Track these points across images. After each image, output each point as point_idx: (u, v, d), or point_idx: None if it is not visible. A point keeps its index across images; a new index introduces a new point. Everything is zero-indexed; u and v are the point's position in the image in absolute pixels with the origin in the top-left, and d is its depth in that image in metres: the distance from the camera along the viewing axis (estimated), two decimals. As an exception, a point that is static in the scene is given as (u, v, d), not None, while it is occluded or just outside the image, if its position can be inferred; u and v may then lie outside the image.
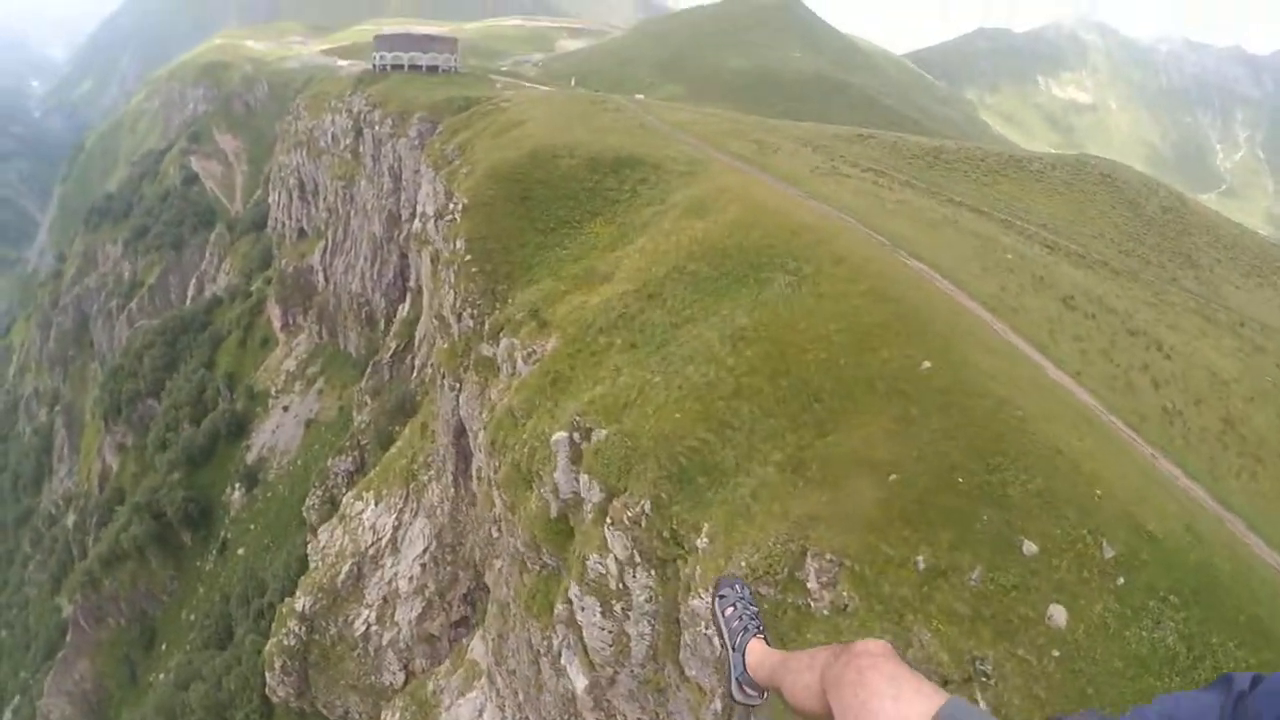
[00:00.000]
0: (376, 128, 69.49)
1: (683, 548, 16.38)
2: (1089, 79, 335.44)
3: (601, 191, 36.04)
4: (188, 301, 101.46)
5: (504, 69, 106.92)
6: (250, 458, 73.62)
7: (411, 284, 60.00)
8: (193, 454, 76.75)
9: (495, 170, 38.84)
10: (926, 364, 18.06)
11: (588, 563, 18.04)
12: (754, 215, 28.45)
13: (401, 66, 78.00)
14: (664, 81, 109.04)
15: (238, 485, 74.62)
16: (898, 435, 16.19)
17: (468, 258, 34.27)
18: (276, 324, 75.09)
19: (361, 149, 73.10)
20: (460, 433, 33.61)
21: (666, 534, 16.67)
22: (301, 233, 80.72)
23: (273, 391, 71.73)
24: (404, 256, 65.66)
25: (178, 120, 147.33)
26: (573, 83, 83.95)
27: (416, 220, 61.16)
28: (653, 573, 16.80)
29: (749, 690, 2.69)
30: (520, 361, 27.57)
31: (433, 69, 78.38)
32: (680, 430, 18.17)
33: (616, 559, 17.43)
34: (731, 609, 3.00)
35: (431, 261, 54.05)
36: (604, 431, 19.70)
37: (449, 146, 52.93)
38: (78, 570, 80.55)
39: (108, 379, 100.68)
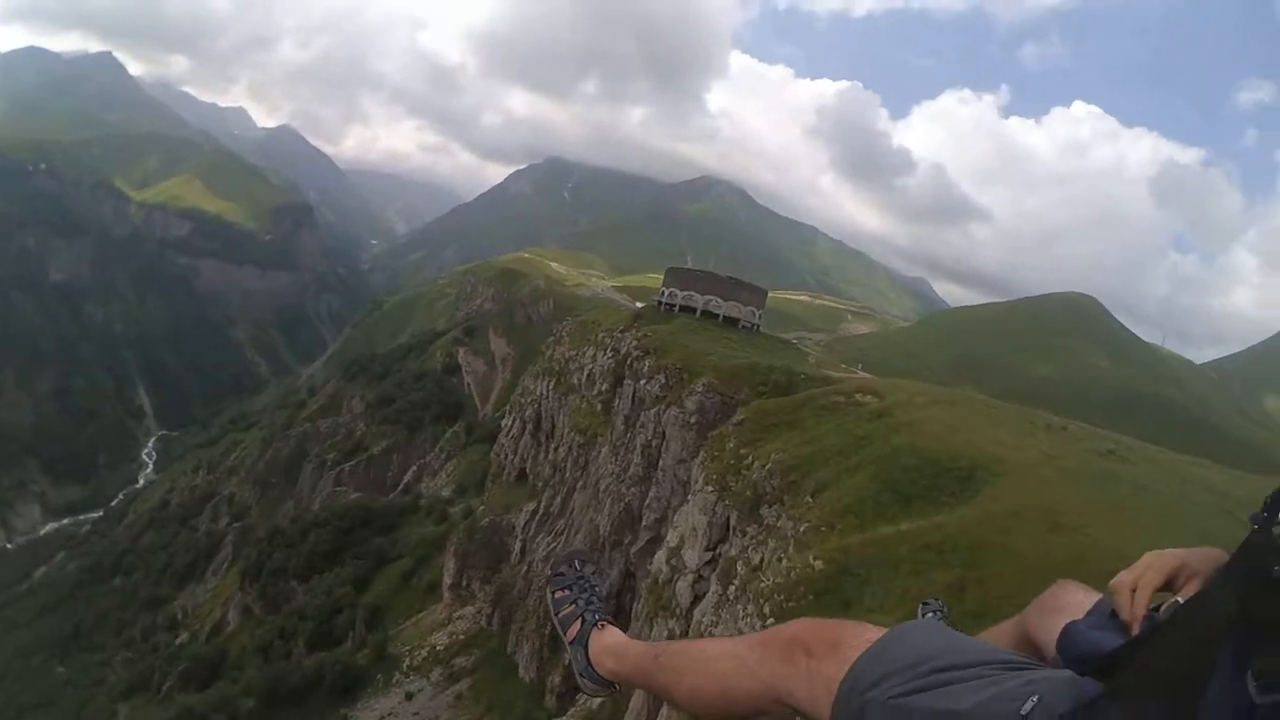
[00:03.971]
0: (642, 382, 53.03)
1: None
2: None
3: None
4: (399, 487, 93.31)
5: (791, 340, 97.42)
6: (341, 738, 55.74)
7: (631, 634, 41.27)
8: (280, 691, 60.77)
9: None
10: None
11: None
12: None
13: (693, 310, 64.18)
14: (958, 382, 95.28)
15: (312, 760, 56.72)
16: None
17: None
18: (447, 579, 60.07)
19: (616, 403, 56.47)
20: None
21: None
22: (521, 476, 68.45)
23: (405, 665, 54.80)
24: (630, 576, 48.37)
25: (464, 311, 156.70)
26: (859, 369, 69.47)
27: (661, 556, 40.04)
28: None
29: (593, 685, 2.50)
30: None
31: (731, 321, 63.82)
32: None
33: None
34: (564, 592, 2.67)
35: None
36: None
37: (762, 471, 32.99)
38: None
39: (265, 539, 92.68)
